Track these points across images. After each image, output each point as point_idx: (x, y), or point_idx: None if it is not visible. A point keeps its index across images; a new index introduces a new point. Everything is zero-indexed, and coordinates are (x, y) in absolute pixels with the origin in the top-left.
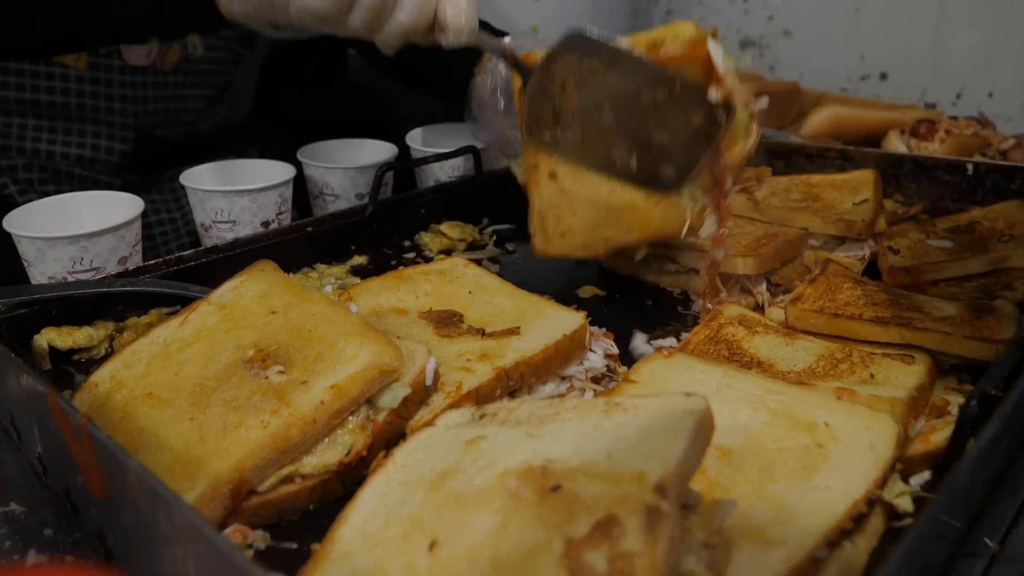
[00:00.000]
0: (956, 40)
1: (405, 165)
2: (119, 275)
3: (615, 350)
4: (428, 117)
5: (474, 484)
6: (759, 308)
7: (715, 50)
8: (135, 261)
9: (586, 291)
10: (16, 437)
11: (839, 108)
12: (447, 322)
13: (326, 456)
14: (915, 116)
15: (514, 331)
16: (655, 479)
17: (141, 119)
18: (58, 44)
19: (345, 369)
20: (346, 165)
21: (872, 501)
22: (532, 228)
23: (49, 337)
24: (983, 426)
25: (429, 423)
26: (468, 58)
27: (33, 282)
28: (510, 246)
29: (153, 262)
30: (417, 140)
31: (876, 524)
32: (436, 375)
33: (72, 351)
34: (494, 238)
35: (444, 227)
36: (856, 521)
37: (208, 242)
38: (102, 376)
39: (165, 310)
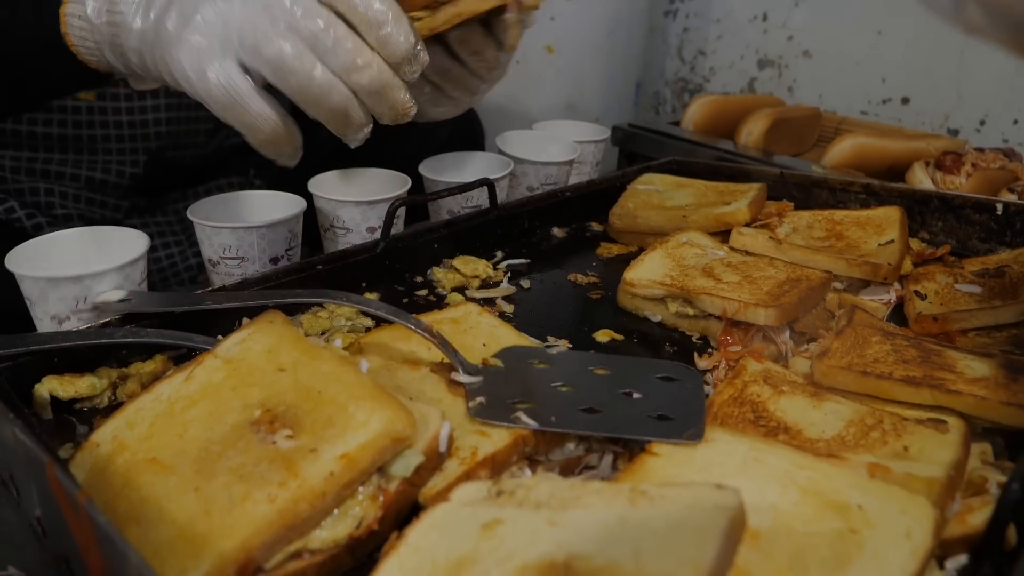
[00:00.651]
0: (981, 66)
1: (419, 200)
2: (123, 319)
3: None
4: (441, 145)
5: None
6: (782, 357)
7: None
8: None
9: (603, 335)
10: (15, 493)
11: (862, 138)
12: None
13: (336, 529)
14: (939, 146)
15: None
16: None
17: (152, 142)
18: None
19: (356, 437)
20: (359, 199)
21: None
22: None
23: (51, 386)
24: None
25: (443, 497)
26: None
27: (36, 320)
28: (524, 283)
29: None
30: (431, 170)
31: None
32: (450, 440)
33: (74, 399)
34: (508, 275)
35: (457, 263)
36: None
37: (216, 278)
38: (104, 436)
39: (170, 353)
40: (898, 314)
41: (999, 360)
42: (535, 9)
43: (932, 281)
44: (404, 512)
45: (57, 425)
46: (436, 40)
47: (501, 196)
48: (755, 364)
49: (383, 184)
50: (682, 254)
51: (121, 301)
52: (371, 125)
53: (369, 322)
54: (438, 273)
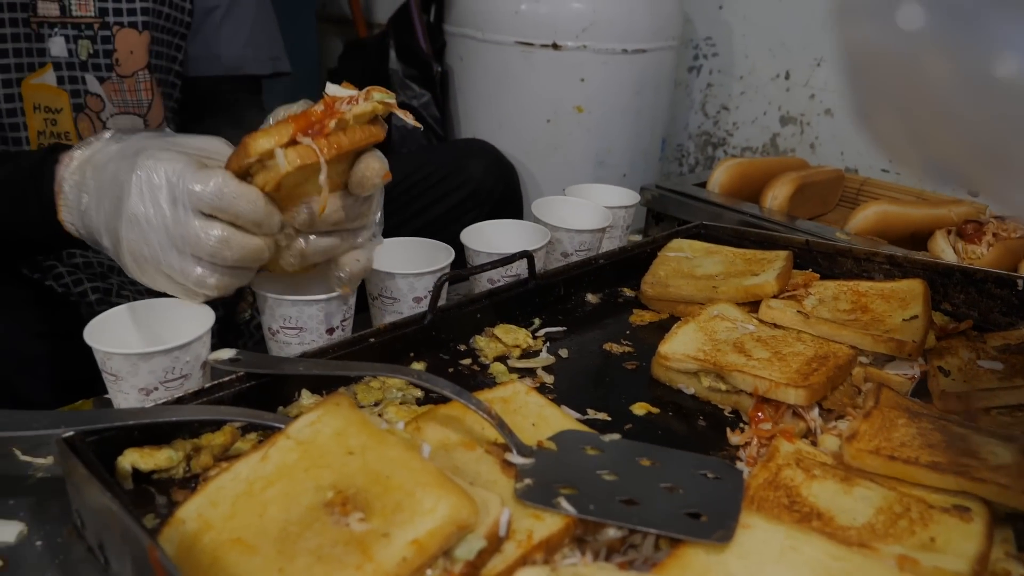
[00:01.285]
0: None
1: (463, 273)
2: (196, 394)
3: None
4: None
5: None
6: (811, 433)
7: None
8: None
9: (639, 408)
10: (103, 560)
11: (885, 205)
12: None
13: None
14: (960, 213)
15: None
16: None
17: None
18: None
19: (424, 523)
20: (407, 271)
21: None
22: None
23: (132, 459)
24: None
25: None
26: None
27: (121, 394)
28: (563, 352)
29: (227, 379)
30: (472, 239)
31: None
32: (509, 525)
33: (152, 470)
34: (547, 344)
35: (498, 331)
36: None
37: (274, 346)
38: (188, 513)
39: (237, 425)
40: (922, 387)
41: (1021, 445)
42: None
43: (955, 356)
44: None
45: (137, 495)
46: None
47: (538, 264)
48: (787, 445)
49: (428, 255)
50: (714, 328)
51: (231, 360)
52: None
53: (419, 392)
54: (480, 342)
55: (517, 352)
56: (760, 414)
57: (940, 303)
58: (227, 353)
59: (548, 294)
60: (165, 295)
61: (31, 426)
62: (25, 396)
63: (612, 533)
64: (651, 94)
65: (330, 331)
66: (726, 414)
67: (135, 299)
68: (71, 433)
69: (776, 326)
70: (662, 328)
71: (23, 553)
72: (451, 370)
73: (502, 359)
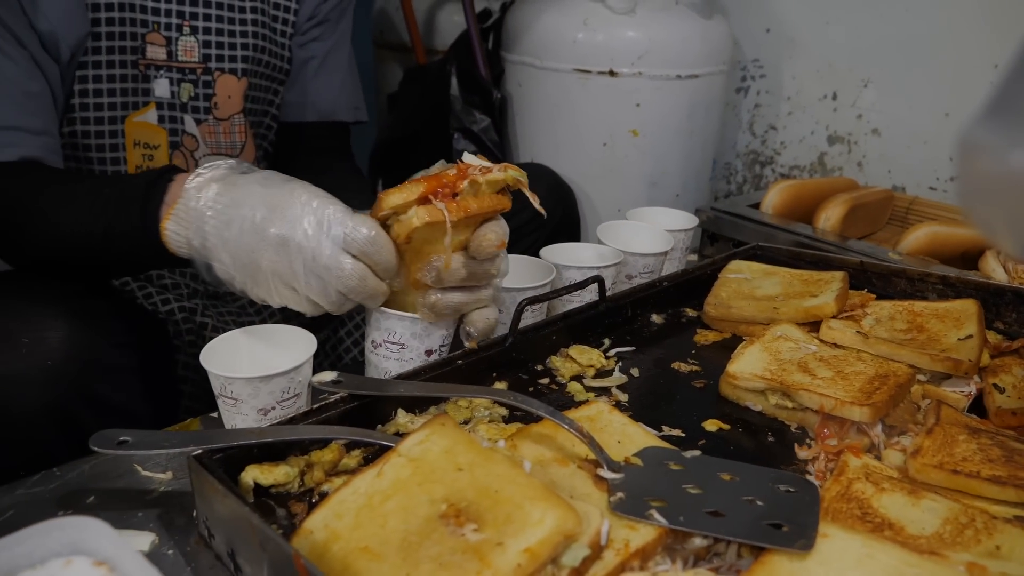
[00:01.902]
0: None
1: (540, 299)
2: (306, 414)
3: None
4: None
5: None
6: (875, 448)
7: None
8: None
9: (711, 424)
10: (233, 567)
11: (936, 226)
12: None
13: None
14: None
15: None
16: None
17: None
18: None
19: (535, 533)
20: (507, 286)
21: None
22: None
23: (254, 475)
24: None
25: None
26: None
27: (240, 416)
28: (634, 371)
29: (333, 399)
30: (550, 254)
31: None
32: (608, 535)
33: (271, 485)
34: (619, 363)
35: (573, 352)
36: None
37: (373, 357)
38: (315, 524)
39: (342, 442)
40: (977, 404)
41: None
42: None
43: (1009, 374)
44: None
45: (259, 507)
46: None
47: (607, 287)
48: (855, 460)
49: (528, 270)
50: (778, 348)
51: (333, 382)
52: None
53: (503, 411)
54: (556, 362)
55: (591, 371)
56: (826, 430)
57: (992, 322)
58: (329, 376)
59: (617, 315)
60: (240, 317)
61: (162, 445)
62: (104, 401)
63: (698, 542)
64: (702, 116)
65: (428, 352)
66: (792, 430)
67: (217, 320)
68: (200, 451)
69: (836, 346)
70: (726, 347)
71: (156, 562)
72: (531, 389)
73: (578, 378)
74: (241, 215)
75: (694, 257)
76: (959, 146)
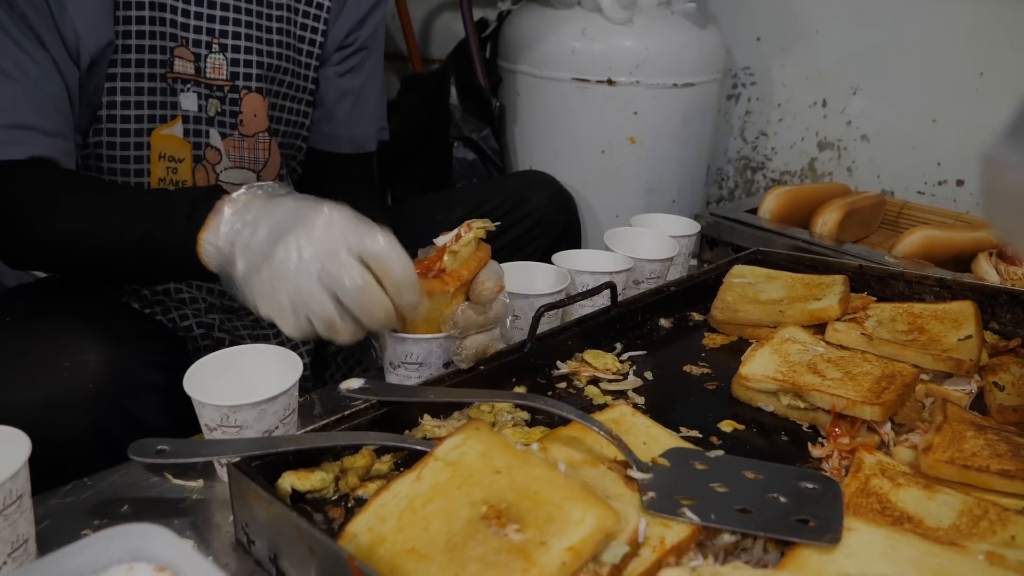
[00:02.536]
0: None
1: (556, 305)
2: (337, 420)
3: None
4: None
5: None
6: (884, 446)
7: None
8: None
9: (726, 425)
10: (275, 573)
11: (930, 230)
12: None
13: None
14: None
15: None
16: None
17: None
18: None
19: (577, 532)
20: (526, 292)
21: None
22: None
23: (291, 481)
24: None
25: None
26: None
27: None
28: (648, 374)
29: (363, 407)
30: (562, 261)
31: None
32: (645, 533)
33: (308, 490)
34: (633, 367)
35: (588, 356)
36: None
37: (394, 378)
38: (359, 527)
39: (372, 448)
40: (978, 402)
41: None
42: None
43: (1007, 372)
44: None
45: (297, 512)
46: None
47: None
48: (870, 457)
49: (545, 276)
50: (787, 350)
51: (361, 389)
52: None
53: (526, 415)
54: (572, 366)
55: (608, 375)
56: (837, 429)
57: (988, 322)
58: (357, 383)
59: (627, 320)
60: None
61: (200, 453)
62: (138, 420)
63: (727, 538)
64: (698, 124)
65: (447, 365)
66: (804, 429)
67: (233, 334)
68: (238, 459)
69: (842, 347)
70: (734, 350)
71: None
72: (549, 393)
73: (594, 382)
74: (266, 223)
75: (694, 262)
76: (983, 163)
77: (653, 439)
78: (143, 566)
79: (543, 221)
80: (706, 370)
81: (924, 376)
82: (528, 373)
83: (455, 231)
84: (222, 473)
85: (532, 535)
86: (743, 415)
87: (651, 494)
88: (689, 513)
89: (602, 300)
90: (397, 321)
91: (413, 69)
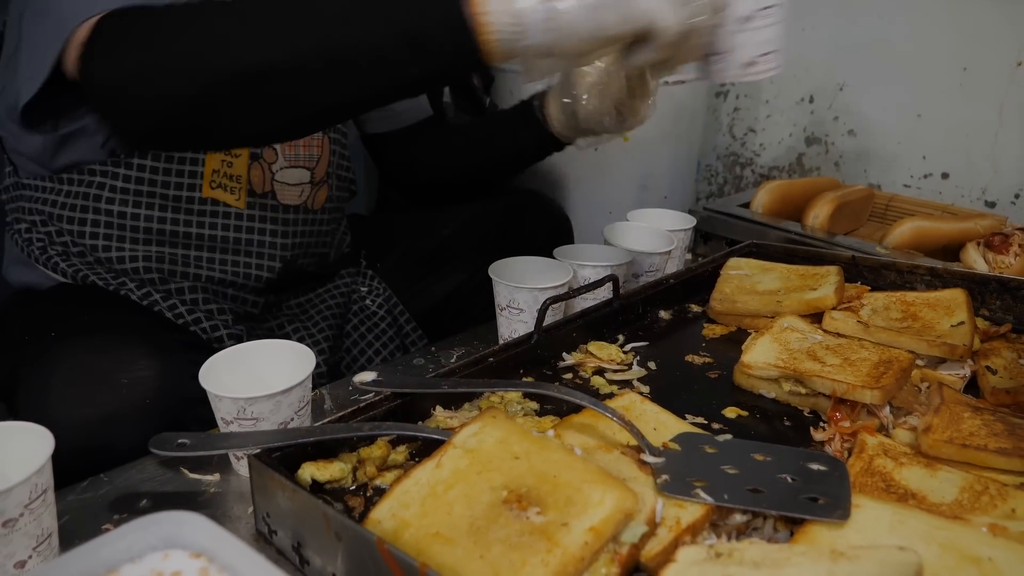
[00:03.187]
0: (1013, 145)
1: (562, 298)
2: (353, 412)
3: None
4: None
5: None
6: (884, 428)
7: None
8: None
9: (730, 411)
10: (299, 561)
11: (919, 221)
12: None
13: None
14: (986, 225)
15: None
16: None
17: (288, 251)
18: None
19: (597, 513)
20: (531, 285)
21: None
22: None
23: (311, 471)
24: None
25: (670, 558)
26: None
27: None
28: (651, 364)
29: (378, 398)
30: (563, 255)
31: None
32: (662, 513)
33: (327, 481)
34: (637, 357)
35: (592, 347)
36: None
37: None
38: (382, 514)
39: (388, 438)
40: (971, 385)
41: None
42: None
43: (999, 356)
44: (631, 570)
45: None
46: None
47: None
48: (872, 439)
49: (549, 270)
50: (786, 338)
51: (374, 381)
52: None
53: (535, 405)
54: (577, 357)
55: (612, 366)
56: (838, 414)
57: (979, 309)
58: (370, 375)
59: (629, 312)
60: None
61: (219, 446)
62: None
63: (739, 518)
64: (688, 121)
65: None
66: (806, 415)
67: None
68: (258, 451)
69: (839, 335)
70: (733, 340)
71: None
72: (557, 383)
73: (599, 372)
74: None
75: (689, 256)
76: None
77: (663, 425)
78: (178, 553)
79: (535, 241)
80: (707, 359)
81: (919, 361)
82: (535, 365)
83: None
84: (238, 467)
85: (553, 517)
86: (746, 402)
87: (665, 477)
88: (703, 494)
89: (604, 293)
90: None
91: None
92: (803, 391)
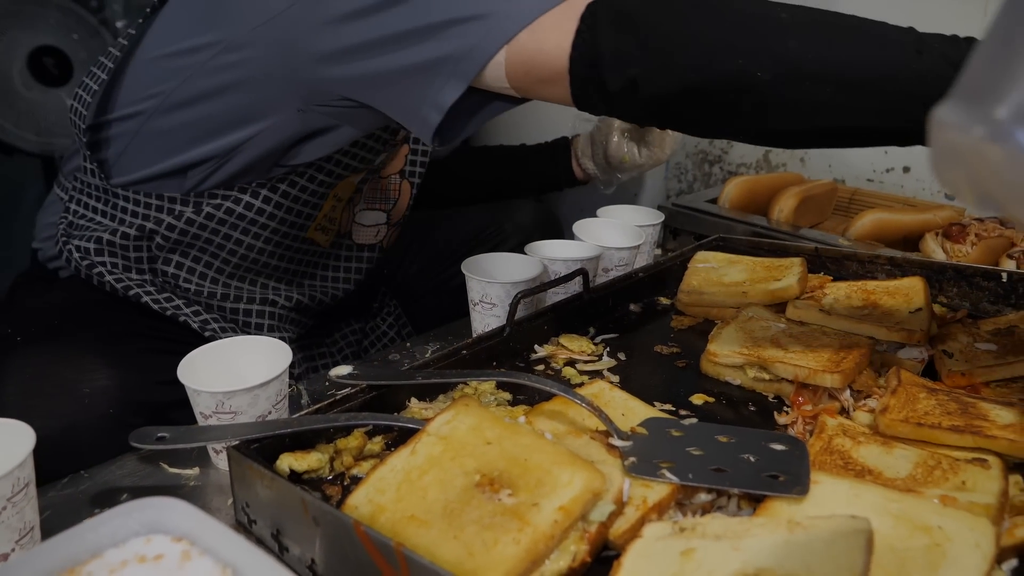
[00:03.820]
0: None
1: (534, 291)
2: (330, 404)
3: None
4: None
5: None
6: (844, 411)
7: None
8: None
9: (697, 398)
10: (278, 549)
11: (880, 213)
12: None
13: (559, 563)
14: (944, 216)
15: None
16: None
17: (349, 284)
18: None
19: (566, 493)
20: (503, 280)
21: None
22: None
23: (289, 462)
24: None
25: (637, 534)
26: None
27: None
28: (621, 355)
29: (354, 391)
30: (534, 251)
31: None
32: (629, 493)
33: (304, 471)
34: (607, 349)
35: (563, 340)
36: None
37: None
38: (359, 500)
39: (364, 429)
40: (929, 368)
41: (1021, 408)
42: None
43: (955, 341)
44: (599, 548)
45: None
46: None
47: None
48: (832, 420)
49: (520, 266)
50: (751, 328)
51: (350, 375)
52: None
53: (508, 396)
54: (549, 350)
55: (584, 356)
56: (800, 398)
57: (936, 296)
58: (345, 369)
59: (599, 305)
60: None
61: (198, 439)
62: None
63: (704, 497)
64: None
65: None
66: (770, 400)
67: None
68: (237, 442)
69: (802, 323)
70: (700, 331)
71: None
72: (528, 373)
73: (571, 363)
74: None
75: (658, 251)
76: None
77: (631, 410)
78: (160, 538)
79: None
80: (675, 349)
81: (879, 347)
82: (507, 357)
83: None
84: (217, 460)
85: (524, 498)
86: (712, 389)
87: (632, 459)
88: (668, 474)
89: (574, 287)
90: None
91: None
92: (767, 377)
